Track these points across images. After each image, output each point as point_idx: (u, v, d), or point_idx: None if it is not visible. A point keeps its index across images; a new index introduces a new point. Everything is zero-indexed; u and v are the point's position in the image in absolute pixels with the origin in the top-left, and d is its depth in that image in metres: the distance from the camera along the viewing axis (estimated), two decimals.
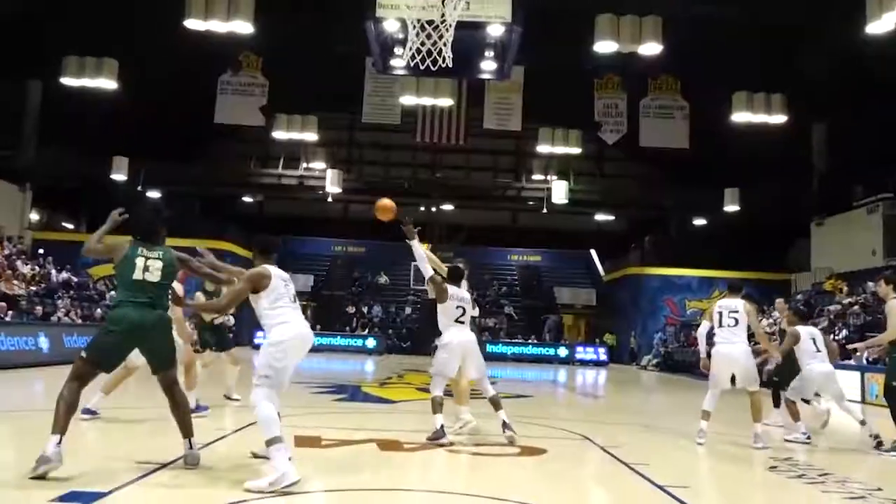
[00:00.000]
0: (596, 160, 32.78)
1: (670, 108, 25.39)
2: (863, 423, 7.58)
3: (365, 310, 30.78)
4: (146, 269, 4.90)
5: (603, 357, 28.52)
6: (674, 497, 4.80)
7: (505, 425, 6.57)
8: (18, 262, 19.50)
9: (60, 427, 4.54)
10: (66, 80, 23.33)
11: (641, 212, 32.34)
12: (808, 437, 7.64)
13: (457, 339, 6.70)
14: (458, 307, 6.79)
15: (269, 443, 4.53)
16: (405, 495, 4.80)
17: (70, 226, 32.36)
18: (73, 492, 4.11)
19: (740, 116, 23.42)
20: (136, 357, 5.70)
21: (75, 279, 21.81)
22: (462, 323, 6.78)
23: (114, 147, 26.50)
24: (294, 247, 35.18)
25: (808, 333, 7.89)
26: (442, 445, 6.20)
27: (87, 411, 6.91)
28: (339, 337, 28.67)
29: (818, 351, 7.78)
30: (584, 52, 21.46)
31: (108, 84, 23.39)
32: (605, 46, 20.28)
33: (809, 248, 26.19)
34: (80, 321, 17.33)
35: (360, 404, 10.53)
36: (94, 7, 21.25)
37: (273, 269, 5.06)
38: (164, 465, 4.95)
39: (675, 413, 9.36)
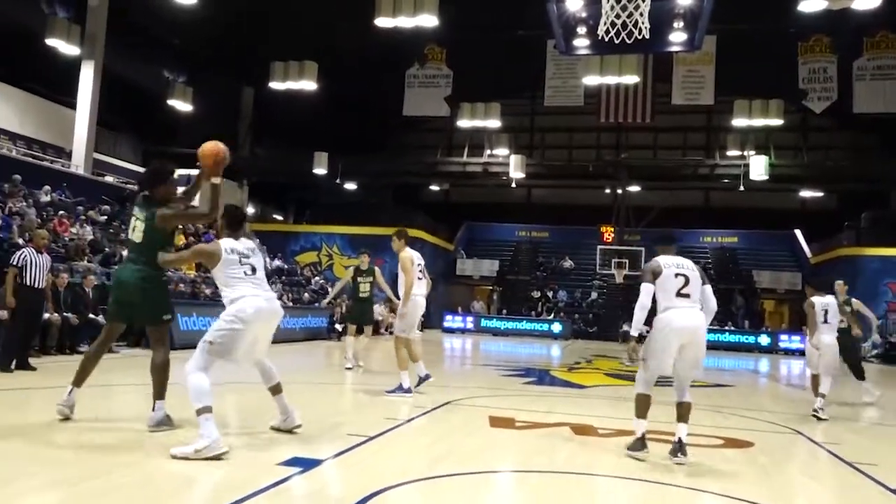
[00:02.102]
0: (800, 131, 30.01)
1: (892, 67, 22.60)
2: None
3: (550, 294, 30.70)
4: (133, 228, 5.23)
5: None
6: None
7: (679, 446, 5.04)
8: None
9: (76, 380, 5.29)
10: (274, 84, 25.60)
11: (855, 186, 29.07)
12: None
13: (678, 320, 5.03)
14: (677, 275, 5.07)
15: (199, 412, 4.40)
16: (602, 481, 4.73)
17: (280, 217, 35.57)
18: (295, 458, 4.53)
19: None
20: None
21: (286, 266, 23.92)
22: (686, 297, 5.07)
23: (315, 143, 28.65)
24: (479, 232, 35.91)
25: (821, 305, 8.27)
26: (639, 459, 5.07)
27: (424, 379, 7.80)
28: (524, 321, 28.88)
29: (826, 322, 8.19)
30: (786, 13, 19.72)
31: (309, 85, 25.34)
32: (811, 4, 18.44)
33: None
34: (290, 304, 19.00)
35: (550, 388, 10.53)
36: (295, 15, 23.05)
37: (224, 243, 4.95)
38: (370, 438, 5.29)
39: None
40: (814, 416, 7.63)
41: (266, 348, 5.16)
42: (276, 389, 5.28)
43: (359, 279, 11.03)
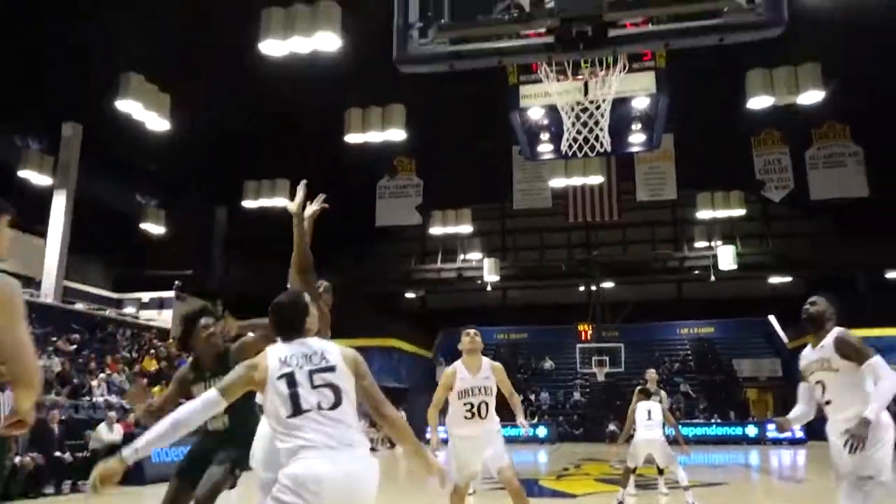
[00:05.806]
0: (763, 220, 30.90)
1: (841, 155, 23.64)
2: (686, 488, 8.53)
3: (532, 397, 30.22)
4: None
5: (799, 434, 25.80)
6: None
7: None
8: None
9: None
10: (247, 203, 25.88)
11: (821, 271, 29.71)
12: None
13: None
14: None
15: None
16: None
17: None
18: None
19: None
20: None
21: None
22: None
23: (290, 259, 28.60)
24: (458, 338, 35.37)
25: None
26: None
27: None
28: (508, 427, 28.08)
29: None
30: (736, 110, 20.70)
31: (282, 202, 25.60)
32: (759, 102, 19.43)
33: None
34: None
35: (540, 499, 10.12)
36: (266, 136, 23.66)
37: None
38: None
39: None
40: None
41: None
42: None
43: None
